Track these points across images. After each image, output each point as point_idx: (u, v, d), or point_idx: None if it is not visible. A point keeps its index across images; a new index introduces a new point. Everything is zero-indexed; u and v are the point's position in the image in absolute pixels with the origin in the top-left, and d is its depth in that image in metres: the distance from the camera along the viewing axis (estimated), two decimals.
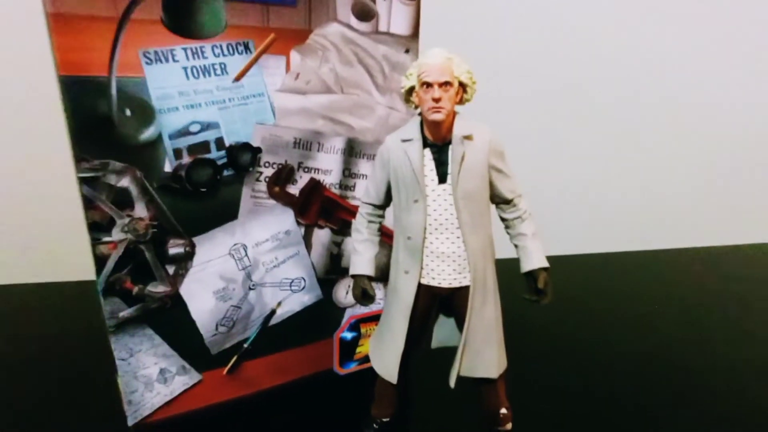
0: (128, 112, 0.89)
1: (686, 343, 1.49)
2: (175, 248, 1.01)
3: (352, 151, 1.16)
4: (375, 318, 1.29)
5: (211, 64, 0.94)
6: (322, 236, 1.19)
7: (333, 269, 1.23)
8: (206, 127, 0.97)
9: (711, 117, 2.33)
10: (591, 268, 2.12)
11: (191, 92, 0.94)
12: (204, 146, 0.98)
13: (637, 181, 2.35)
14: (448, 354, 0.98)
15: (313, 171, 1.13)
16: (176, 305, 1.04)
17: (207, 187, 1.00)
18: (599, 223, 2.35)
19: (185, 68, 0.92)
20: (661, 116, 2.29)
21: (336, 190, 1.17)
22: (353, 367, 1.33)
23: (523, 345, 1.05)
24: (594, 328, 1.59)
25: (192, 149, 0.97)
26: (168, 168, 0.96)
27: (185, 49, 0.91)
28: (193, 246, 1.03)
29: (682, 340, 1.52)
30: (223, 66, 0.96)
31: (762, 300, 1.83)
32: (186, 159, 0.97)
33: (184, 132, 0.95)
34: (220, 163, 1.01)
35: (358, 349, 1.34)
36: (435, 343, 1.06)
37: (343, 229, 1.20)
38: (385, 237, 1.05)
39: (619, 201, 2.35)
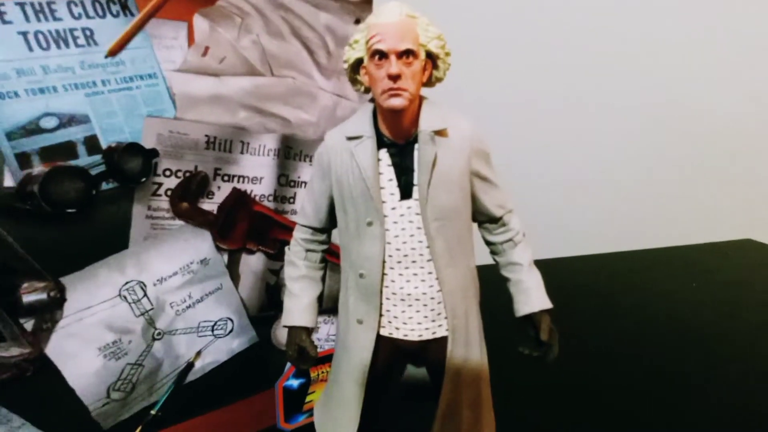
0: None
1: (678, 344, 1.44)
2: (32, 295, 0.71)
3: (290, 152, 0.89)
4: (329, 358, 1.03)
5: (68, 29, 0.65)
6: (253, 263, 0.92)
7: (270, 304, 0.96)
8: (68, 121, 0.68)
9: (696, 114, 2.25)
10: (571, 270, 1.98)
11: (38, 70, 0.64)
12: (66, 149, 0.69)
13: (612, 183, 2.25)
14: (423, 412, 0.74)
15: (236, 179, 0.85)
16: (42, 371, 0.75)
17: (77, 207, 0.71)
18: (575, 226, 2.20)
19: (25, 34, 0.63)
20: (644, 116, 2.17)
21: (270, 204, 0.91)
22: (302, 420, 1.08)
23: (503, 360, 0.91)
24: (580, 332, 1.44)
25: (47, 153, 0.68)
26: (10, 182, 0.66)
27: (22, 5, 0.62)
28: (61, 290, 0.73)
29: (674, 340, 1.46)
30: (88, 33, 0.67)
31: (738, 296, 1.78)
32: (39, 168, 0.68)
33: (33, 129, 0.66)
34: (94, 172, 0.72)
35: (308, 398, 1.09)
36: (403, 396, 0.81)
37: (281, 252, 0.94)
38: (333, 257, 0.80)
39: (595, 203, 2.23)
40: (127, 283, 0.79)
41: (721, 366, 1.31)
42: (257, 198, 0.89)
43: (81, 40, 0.66)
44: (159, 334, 0.85)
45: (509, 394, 1.02)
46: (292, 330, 0.69)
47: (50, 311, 0.74)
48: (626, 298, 1.75)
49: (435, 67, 0.60)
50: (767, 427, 1.07)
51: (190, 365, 0.90)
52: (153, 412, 0.87)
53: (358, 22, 0.90)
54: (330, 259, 0.79)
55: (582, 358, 1.31)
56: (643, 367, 1.29)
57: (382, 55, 0.55)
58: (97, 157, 0.72)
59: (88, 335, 0.77)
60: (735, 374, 1.27)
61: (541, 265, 0.70)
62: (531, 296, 0.67)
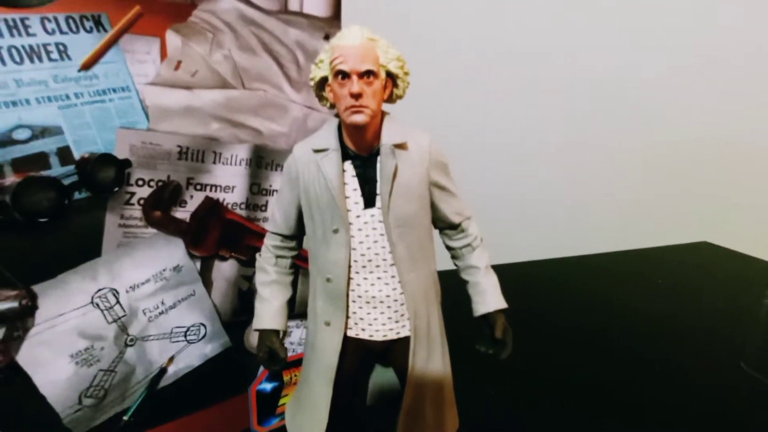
0: None
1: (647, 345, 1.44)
2: (3, 303, 0.72)
3: (261, 161, 0.92)
4: (301, 362, 1.06)
5: (42, 44, 0.67)
6: (225, 270, 0.94)
7: (242, 309, 0.98)
8: (41, 133, 0.70)
9: (653, 118, 2.31)
10: (536, 275, 2.02)
11: (11, 83, 0.66)
12: (39, 160, 0.71)
13: (569, 187, 2.28)
14: (390, 414, 0.77)
15: (208, 188, 0.88)
16: (13, 379, 0.76)
17: (49, 216, 0.73)
18: (541, 229, 2.25)
19: None
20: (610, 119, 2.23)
21: (242, 212, 0.93)
22: (275, 423, 1.10)
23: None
24: (544, 339, 1.47)
25: (19, 164, 0.69)
26: None
27: None
28: (32, 297, 0.75)
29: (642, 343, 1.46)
30: (61, 48, 0.69)
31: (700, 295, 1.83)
32: (11, 178, 0.69)
33: (5, 141, 0.67)
34: (67, 182, 0.73)
35: (281, 401, 1.10)
36: (371, 399, 0.84)
37: (253, 258, 0.96)
38: (303, 262, 0.83)
39: (562, 206, 2.28)
40: (99, 290, 0.81)
41: (678, 366, 1.33)
42: (230, 206, 0.91)
43: (54, 55, 0.68)
44: (131, 340, 0.86)
45: (473, 392, 1.04)
46: (263, 333, 0.72)
47: (21, 319, 0.74)
48: (583, 301, 1.76)
49: (395, 85, 0.65)
50: (727, 427, 1.10)
51: (163, 371, 0.92)
52: (125, 417, 0.88)
53: (327, 37, 0.94)
54: (301, 264, 0.83)
55: (538, 359, 1.33)
56: (600, 371, 1.30)
57: (345, 75, 0.59)
58: (70, 168, 0.73)
59: (60, 342, 0.78)
60: (693, 374, 1.29)
61: (502, 269, 0.74)
62: (487, 297, 0.72)
